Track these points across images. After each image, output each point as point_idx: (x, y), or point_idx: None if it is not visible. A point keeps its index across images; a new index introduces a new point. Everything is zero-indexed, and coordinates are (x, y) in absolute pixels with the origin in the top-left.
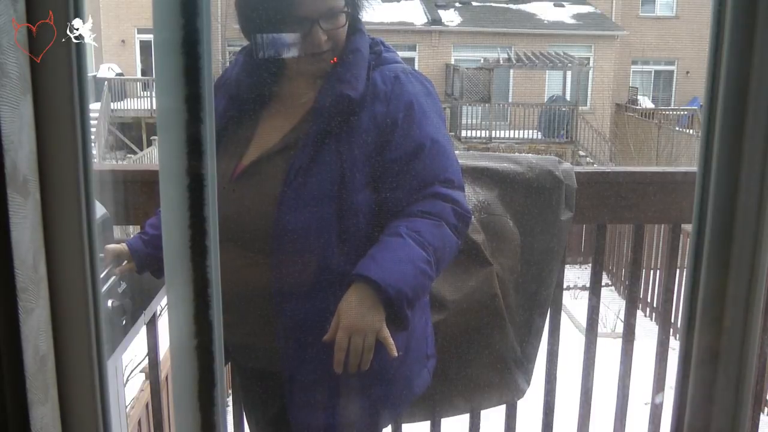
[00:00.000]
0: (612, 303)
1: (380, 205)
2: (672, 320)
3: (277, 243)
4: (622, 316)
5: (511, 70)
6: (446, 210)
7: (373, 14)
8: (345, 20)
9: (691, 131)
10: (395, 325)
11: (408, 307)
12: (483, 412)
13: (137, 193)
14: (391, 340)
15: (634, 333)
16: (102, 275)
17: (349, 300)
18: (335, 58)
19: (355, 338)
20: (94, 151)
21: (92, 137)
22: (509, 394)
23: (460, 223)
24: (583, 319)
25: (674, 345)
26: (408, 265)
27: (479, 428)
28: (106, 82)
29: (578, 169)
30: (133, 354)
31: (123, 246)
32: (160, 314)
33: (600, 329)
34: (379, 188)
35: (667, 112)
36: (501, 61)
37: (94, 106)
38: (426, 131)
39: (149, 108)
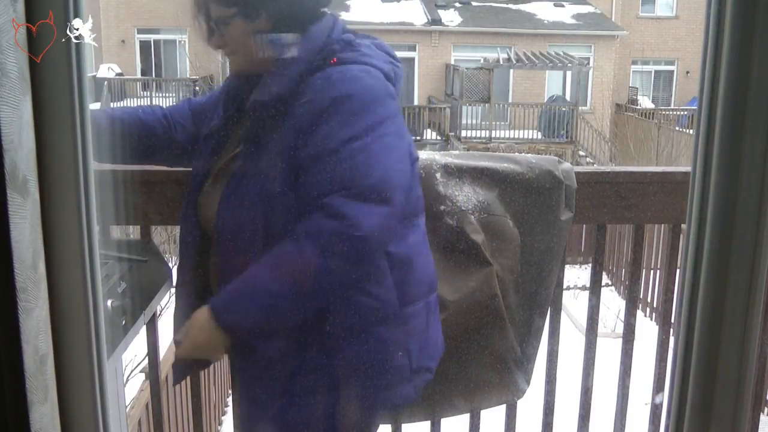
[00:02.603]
0: (612, 303)
1: (294, 207)
2: (672, 320)
3: (218, 243)
4: (622, 316)
5: (511, 70)
6: (324, 231)
7: (373, 14)
8: (242, 26)
9: (691, 131)
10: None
11: (250, 335)
12: (483, 412)
13: (137, 193)
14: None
15: (634, 333)
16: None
17: (195, 318)
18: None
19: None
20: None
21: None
22: (509, 394)
23: (344, 246)
24: (583, 319)
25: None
26: (254, 299)
27: (479, 428)
28: (106, 82)
29: (578, 169)
30: (133, 354)
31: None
32: (160, 314)
33: (600, 329)
34: (293, 189)
35: (667, 112)
36: (501, 61)
37: (94, 106)
38: (348, 133)
39: None
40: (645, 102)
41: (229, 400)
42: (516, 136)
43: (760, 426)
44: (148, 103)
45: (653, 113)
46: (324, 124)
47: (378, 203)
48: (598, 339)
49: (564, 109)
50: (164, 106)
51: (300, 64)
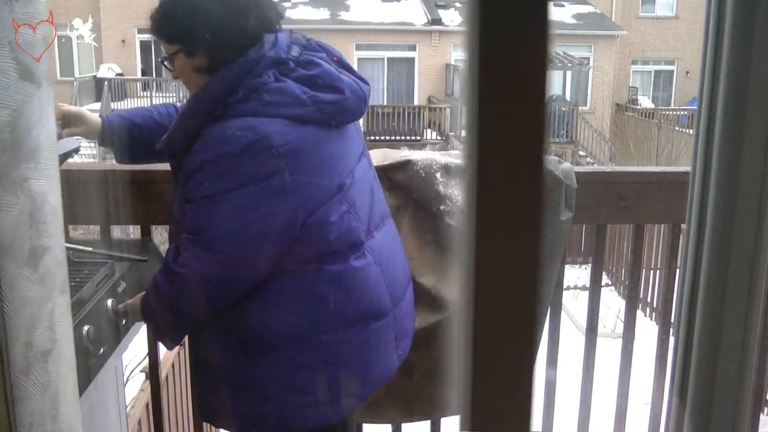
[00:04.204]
0: (612, 303)
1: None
2: (672, 320)
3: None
4: (622, 316)
5: None
6: (168, 261)
7: (373, 14)
8: (185, 62)
9: (691, 131)
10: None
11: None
12: None
13: (137, 193)
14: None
15: (634, 333)
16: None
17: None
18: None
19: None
20: (94, 151)
21: None
22: None
23: (175, 278)
24: (583, 319)
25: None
26: (145, 305)
27: None
28: (106, 82)
29: (578, 169)
30: (133, 354)
31: (97, 118)
32: None
33: (600, 329)
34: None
35: (667, 112)
36: None
37: (94, 106)
38: (208, 191)
39: None
40: (645, 102)
41: None
42: None
43: (760, 426)
44: (148, 104)
45: (653, 113)
46: (196, 176)
47: (214, 253)
48: (598, 339)
49: (564, 108)
50: (177, 105)
51: (199, 114)
